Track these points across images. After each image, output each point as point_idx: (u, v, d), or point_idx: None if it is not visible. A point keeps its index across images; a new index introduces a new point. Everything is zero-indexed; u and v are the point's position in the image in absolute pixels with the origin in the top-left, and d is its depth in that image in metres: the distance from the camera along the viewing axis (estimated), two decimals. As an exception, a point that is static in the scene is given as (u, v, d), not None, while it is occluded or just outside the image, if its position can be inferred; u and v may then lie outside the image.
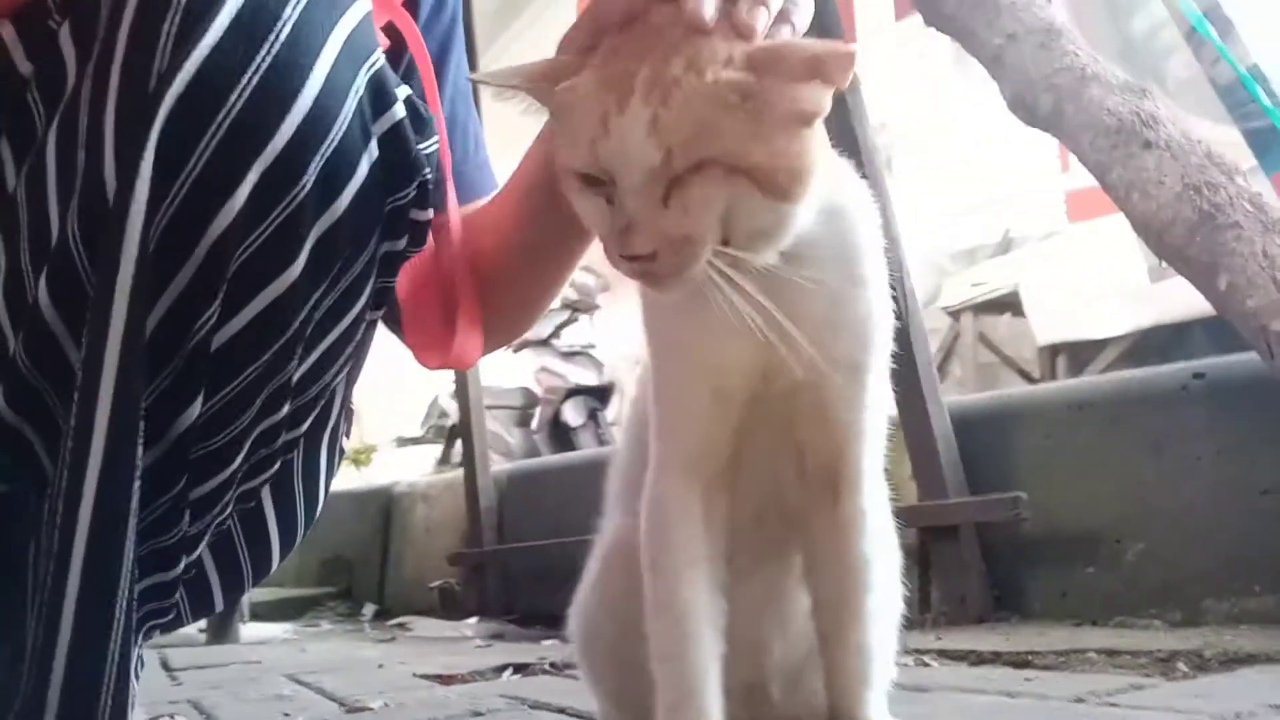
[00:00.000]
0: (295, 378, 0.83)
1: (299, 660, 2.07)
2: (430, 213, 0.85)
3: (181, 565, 0.89)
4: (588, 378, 5.94)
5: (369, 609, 3.48)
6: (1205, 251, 1.43)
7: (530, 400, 5.40)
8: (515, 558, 2.99)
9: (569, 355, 5.84)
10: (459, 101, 1.07)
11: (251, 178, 0.69)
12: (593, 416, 6.08)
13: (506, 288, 0.98)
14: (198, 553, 0.91)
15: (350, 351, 0.88)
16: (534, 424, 5.33)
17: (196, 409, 0.75)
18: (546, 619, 2.74)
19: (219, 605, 1.00)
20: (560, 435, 5.65)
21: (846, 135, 2.09)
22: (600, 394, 6.01)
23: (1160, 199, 1.48)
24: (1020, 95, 1.69)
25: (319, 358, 0.84)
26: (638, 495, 0.78)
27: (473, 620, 2.86)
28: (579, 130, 0.62)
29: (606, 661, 0.82)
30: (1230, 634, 1.49)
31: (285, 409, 0.84)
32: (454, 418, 4.81)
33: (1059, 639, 1.56)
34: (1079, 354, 4.05)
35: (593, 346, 5.77)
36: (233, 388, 0.78)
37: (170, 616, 0.95)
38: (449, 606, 3.07)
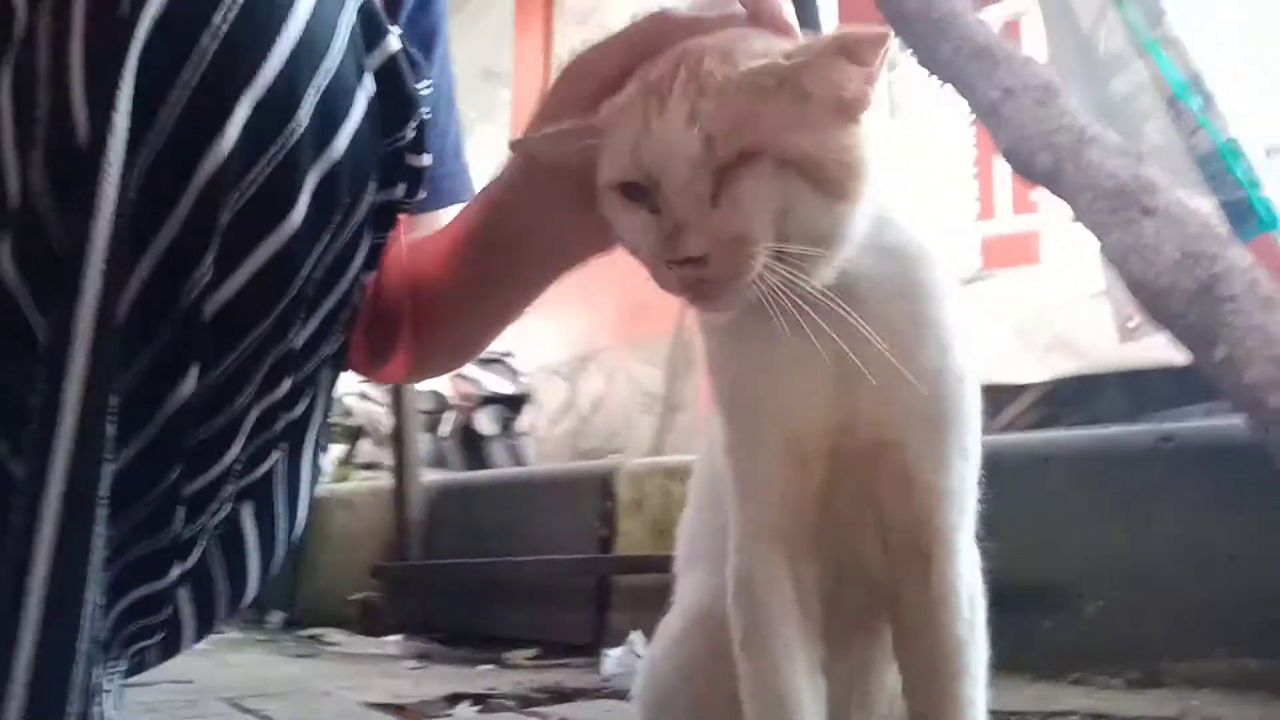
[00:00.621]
0: (298, 345, 0.75)
1: (232, 680, 1.95)
2: (428, 158, 0.78)
3: (173, 574, 0.80)
4: (503, 386, 5.84)
5: (276, 616, 3.33)
6: (1202, 321, 1.46)
7: (441, 405, 5.27)
8: (443, 574, 2.89)
9: (485, 362, 5.72)
10: (441, 104, 1.00)
11: (242, 112, 0.62)
12: (506, 427, 5.98)
13: (442, 324, 0.91)
14: (190, 562, 0.82)
15: (347, 318, 0.81)
16: (443, 430, 5.20)
17: (191, 384, 0.68)
18: (475, 640, 2.66)
19: (188, 643, 0.92)
20: (471, 444, 5.53)
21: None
22: (515, 403, 5.91)
23: (1159, 265, 1.50)
24: (1017, 149, 1.71)
25: (319, 325, 0.76)
26: (719, 554, 0.73)
27: (396, 638, 2.76)
28: (620, 141, 0.59)
29: None
30: (1197, 699, 1.51)
31: (286, 385, 0.76)
32: (359, 418, 4.67)
33: (1023, 697, 1.56)
34: (991, 399, 4.14)
35: (510, 355, 5.68)
36: (232, 359, 0.70)
37: (159, 637, 0.86)
38: (370, 621, 2.95)
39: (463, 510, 3.03)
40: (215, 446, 0.75)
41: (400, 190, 0.78)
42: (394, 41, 0.72)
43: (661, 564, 2.60)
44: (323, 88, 0.66)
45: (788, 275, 0.56)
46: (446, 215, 0.94)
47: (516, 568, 2.67)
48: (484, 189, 0.84)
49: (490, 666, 2.35)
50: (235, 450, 0.76)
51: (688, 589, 0.79)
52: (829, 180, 0.57)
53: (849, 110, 0.58)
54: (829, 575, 0.69)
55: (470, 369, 5.57)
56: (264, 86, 0.63)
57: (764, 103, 0.56)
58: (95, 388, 0.57)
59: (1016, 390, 3.99)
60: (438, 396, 5.38)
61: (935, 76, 1.92)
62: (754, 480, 0.67)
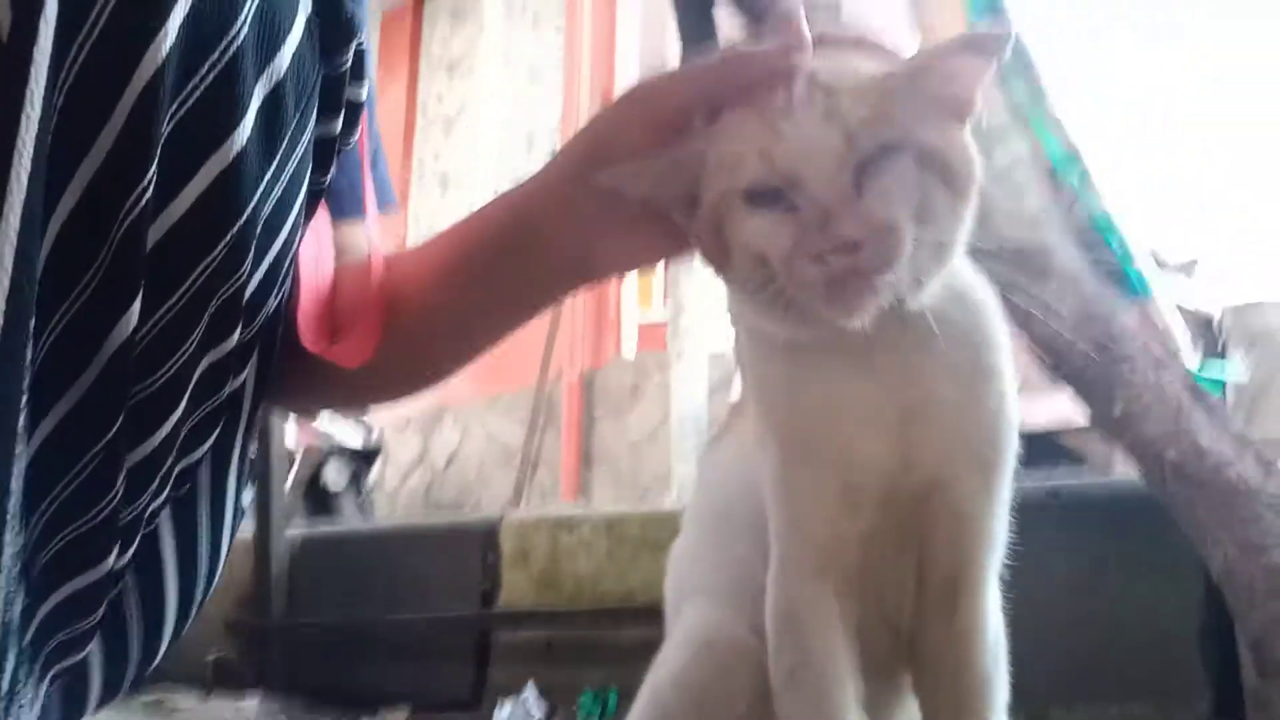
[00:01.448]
0: (247, 292, 0.69)
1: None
2: (364, 91, 0.75)
3: (111, 559, 0.71)
4: (353, 439, 5.66)
5: (112, 679, 3.07)
6: (1102, 378, 1.54)
7: (286, 457, 5.05)
8: (309, 631, 2.74)
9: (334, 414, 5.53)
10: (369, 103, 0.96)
11: (180, 10, 0.58)
12: (355, 481, 5.79)
13: (418, 343, 0.86)
14: (130, 553, 0.73)
15: (288, 270, 0.75)
16: (288, 483, 4.97)
17: (133, 320, 0.61)
18: (340, 700, 2.53)
19: (92, 705, 0.82)
20: (317, 497, 5.32)
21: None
22: (365, 457, 5.74)
23: (1061, 325, 1.58)
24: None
25: (265, 273, 0.71)
26: (733, 587, 0.71)
27: (253, 699, 2.59)
28: (740, 151, 0.58)
29: None
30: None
31: (234, 337, 0.70)
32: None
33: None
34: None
35: (363, 407, 5.50)
36: (178, 296, 0.64)
37: (81, 655, 0.76)
38: (222, 681, 2.76)
39: (331, 563, 2.89)
40: (159, 404, 0.67)
41: (338, 125, 0.74)
42: None
43: (548, 618, 2.55)
44: None
45: (915, 277, 0.56)
46: (369, 227, 0.89)
47: (391, 624, 2.56)
48: (500, 196, 0.80)
49: (371, 727, 2.24)
50: (179, 413, 0.68)
51: (689, 620, 0.77)
52: (956, 177, 0.58)
53: (962, 111, 0.59)
54: (860, 615, 0.68)
55: (319, 421, 5.38)
56: None
57: (895, 101, 0.57)
58: (19, 301, 0.52)
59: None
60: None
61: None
62: (805, 517, 0.66)
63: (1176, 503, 1.50)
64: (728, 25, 1.98)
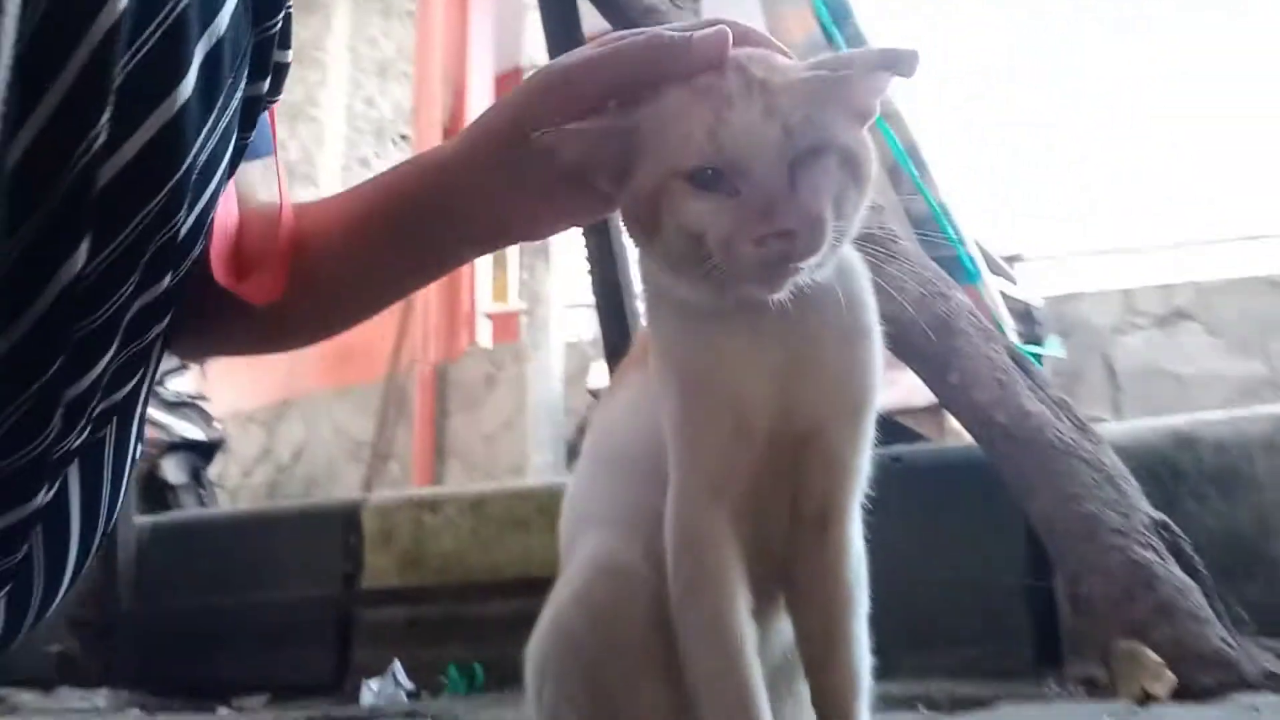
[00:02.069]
0: (180, 237, 0.73)
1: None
2: (289, 55, 0.80)
3: (41, 495, 0.73)
4: (194, 432, 5.45)
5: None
6: (940, 352, 1.68)
7: (125, 447, 4.84)
8: (159, 621, 2.66)
9: (174, 405, 5.32)
10: None
11: None
12: (195, 475, 5.58)
13: (325, 291, 0.91)
14: (55, 486, 0.75)
15: (211, 217, 0.79)
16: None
17: (82, 258, 0.65)
18: (193, 691, 2.47)
19: None
20: (155, 492, 5.12)
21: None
22: (206, 451, 5.54)
23: (905, 303, 1.71)
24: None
25: (194, 221, 0.75)
26: (628, 519, 0.78)
27: (101, 692, 2.50)
28: (687, 133, 0.63)
29: (586, 680, 0.79)
30: (929, 684, 1.70)
31: (167, 280, 0.72)
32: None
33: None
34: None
35: (202, 399, 5.31)
36: (121, 239, 0.67)
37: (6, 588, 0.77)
38: (67, 676, 2.65)
39: (183, 551, 2.81)
40: (96, 343, 0.70)
41: (265, 85, 0.78)
42: None
43: (412, 596, 2.56)
44: None
45: (823, 259, 0.64)
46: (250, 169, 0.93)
47: (248, 609, 2.52)
48: (415, 159, 0.84)
49: (227, 711, 2.20)
50: (111, 352, 0.72)
51: (587, 547, 0.82)
52: (862, 175, 0.65)
53: (866, 116, 0.67)
54: (745, 540, 0.75)
55: (158, 413, 5.16)
56: None
57: (821, 104, 0.64)
58: None
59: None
60: (118, 440, 4.93)
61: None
62: (703, 451, 0.72)
63: (1003, 461, 1.65)
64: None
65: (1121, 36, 5.02)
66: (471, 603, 2.38)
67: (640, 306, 0.80)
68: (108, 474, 0.80)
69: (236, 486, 5.88)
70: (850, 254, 0.75)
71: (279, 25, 0.76)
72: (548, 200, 0.74)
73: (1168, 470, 1.83)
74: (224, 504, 5.62)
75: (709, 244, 0.63)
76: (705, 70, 0.64)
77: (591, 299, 2.41)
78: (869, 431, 0.77)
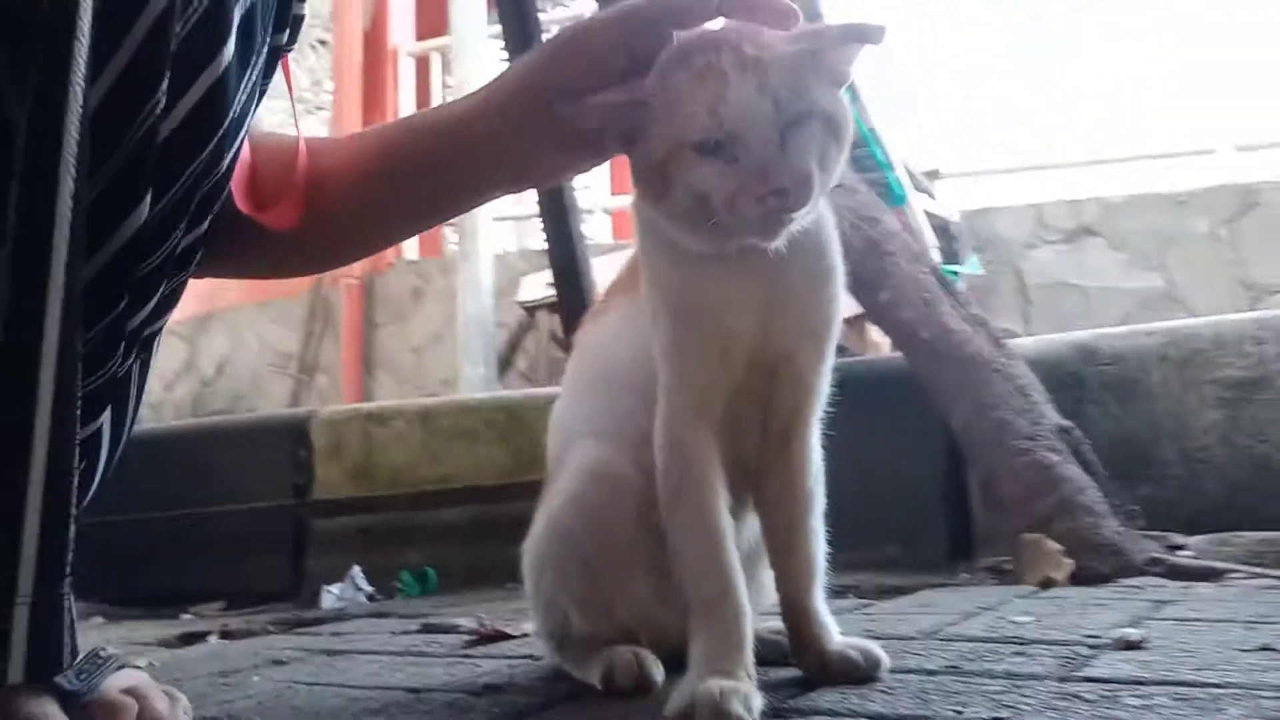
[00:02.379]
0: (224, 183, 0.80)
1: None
2: (305, 7, 0.88)
3: (105, 414, 0.82)
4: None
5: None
6: (870, 272, 1.81)
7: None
8: (108, 532, 2.70)
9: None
10: None
11: None
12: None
13: (340, 223, 0.97)
14: (107, 414, 0.84)
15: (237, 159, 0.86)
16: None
17: (145, 209, 0.72)
18: (153, 598, 2.54)
19: None
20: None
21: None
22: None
23: (841, 228, 1.83)
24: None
25: (229, 162, 0.81)
26: (617, 431, 0.89)
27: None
28: (691, 109, 0.73)
29: (580, 569, 0.90)
30: (859, 576, 1.86)
31: (207, 222, 0.81)
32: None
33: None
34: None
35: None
36: (176, 189, 0.75)
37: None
38: (18, 589, 2.68)
39: (134, 466, 2.83)
40: (153, 280, 0.78)
41: (285, 36, 0.86)
42: None
43: (364, 504, 2.63)
44: None
45: (811, 209, 0.74)
46: None
47: (200, 519, 2.58)
48: (436, 111, 0.91)
49: (189, 616, 2.28)
50: (163, 287, 0.80)
51: (579, 456, 0.92)
52: (842, 134, 0.76)
53: (841, 81, 0.77)
54: (723, 450, 0.86)
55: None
56: None
57: (804, 76, 0.73)
58: (79, 201, 0.63)
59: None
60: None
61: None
62: (691, 375, 0.83)
63: (927, 374, 1.80)
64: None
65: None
66: (422, 511, 2.47)
67: (632, 245, 0.89)
68: (133, 390, 0.88)
69: (159, 401, 5.83)
70: (822, 204, 0.85)
71: None
72: (562, 153, 0.82)
73: (1072, 380, 2.00)
74: (146, 419, 5.59)
75: (714, 203, 0.73)
76: (704, 21, 0.73)
77: (535, 216, 2.48)
78: (831, 356, 0.88)
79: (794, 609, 0.88)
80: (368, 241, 0.99)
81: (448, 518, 2.46)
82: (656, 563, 0.87)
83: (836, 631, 0.88)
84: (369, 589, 2.19)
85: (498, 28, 5.62)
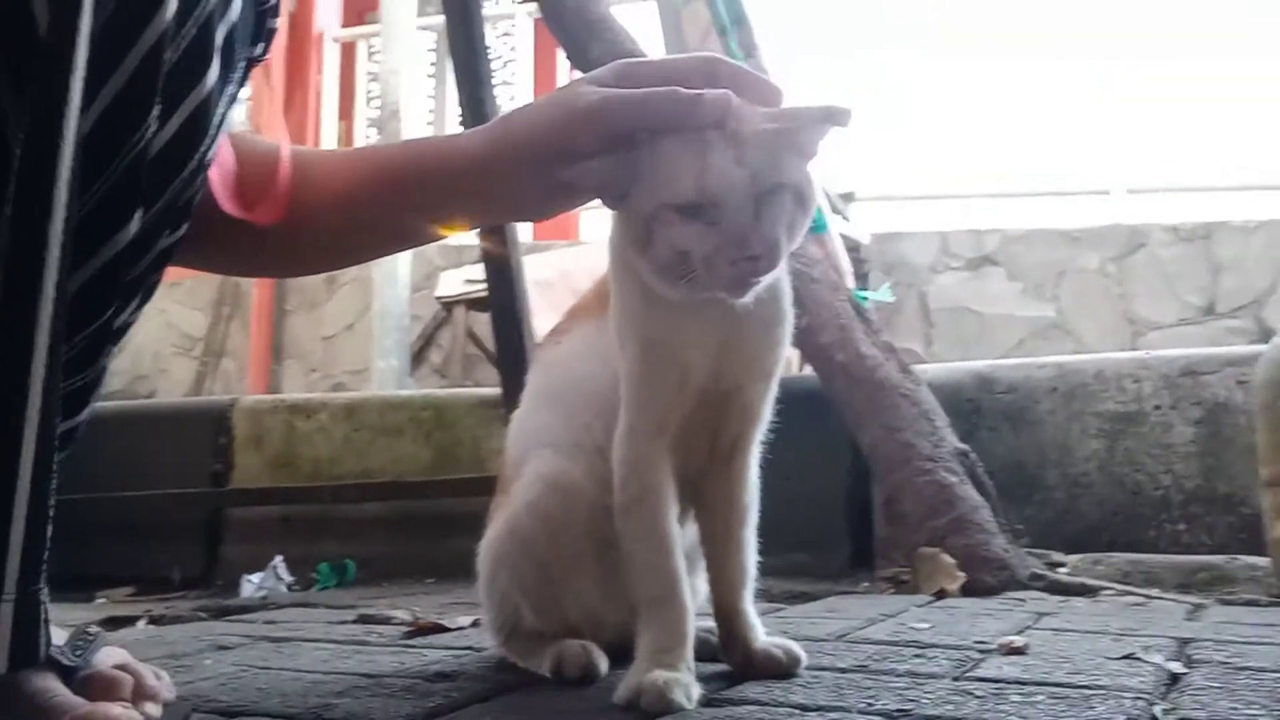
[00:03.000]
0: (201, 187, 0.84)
1: None
2: (278, 21, 0.93)
3: (87, 411, 0.87)
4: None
5: None
6: (796, 298, 1.91)
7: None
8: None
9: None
10: None
11: None
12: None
13: (327, 235, 1.02)
14: (92, 403, 0.89)
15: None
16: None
17: (135, 224, 0.77)
18: (59, 582, 2.52)
19: None
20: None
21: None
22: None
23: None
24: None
25: (205, 166, 0.86)
26: (575, 444, 0.97)
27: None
28: (677, 174, 0.81)
29: (534, 569, 0.98)
30: (772, 582, 1.97)
31: (186, 224, 0.85)
32: None
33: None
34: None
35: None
36: (163, 201, 0.80)
37: None
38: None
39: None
40: (138, 282, 0.83)
41: (260, 49, 0.91)
42: None
43: (283, 494, 2.65)
44: None
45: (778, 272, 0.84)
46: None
47: (113, 504, 2.56)
48: (434, 143, 0.98)
49: (102, 600, 2.29)
50: (145, 287, 0.85)
51: (539, 465, 1.00)
52: (807, 204, 0.84)
53: (810, 156, 0.85)
54: (673, 467, 0.96)
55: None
56: None
57: (779, 151, 0.81)
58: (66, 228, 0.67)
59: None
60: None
61: (578, 73, 2.24)
62: (651, 400, 0.91)
63: (839, 395, 1.92)
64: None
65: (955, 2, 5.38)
66: (342, 504, 2.51)
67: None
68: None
69: (55, 378, 5.66)
70: None
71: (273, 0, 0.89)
72: (554, 198, 0.89)
73: (970, 406, 2.15)
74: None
75: (693, 259, 0.81)
76: (710, 125, 0.81)
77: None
78: (774, 389, 0.98)
79: (726, 610, 0.98)
80: (345, 252, 1.05)
81: (368, 511, 2.50)
82: (603, 565, 0.96)
83: (763, 632, 0.98)
84: (289, 578, 2.23)
85: (428, 19, 5.65)
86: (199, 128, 0.80)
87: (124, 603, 2.32)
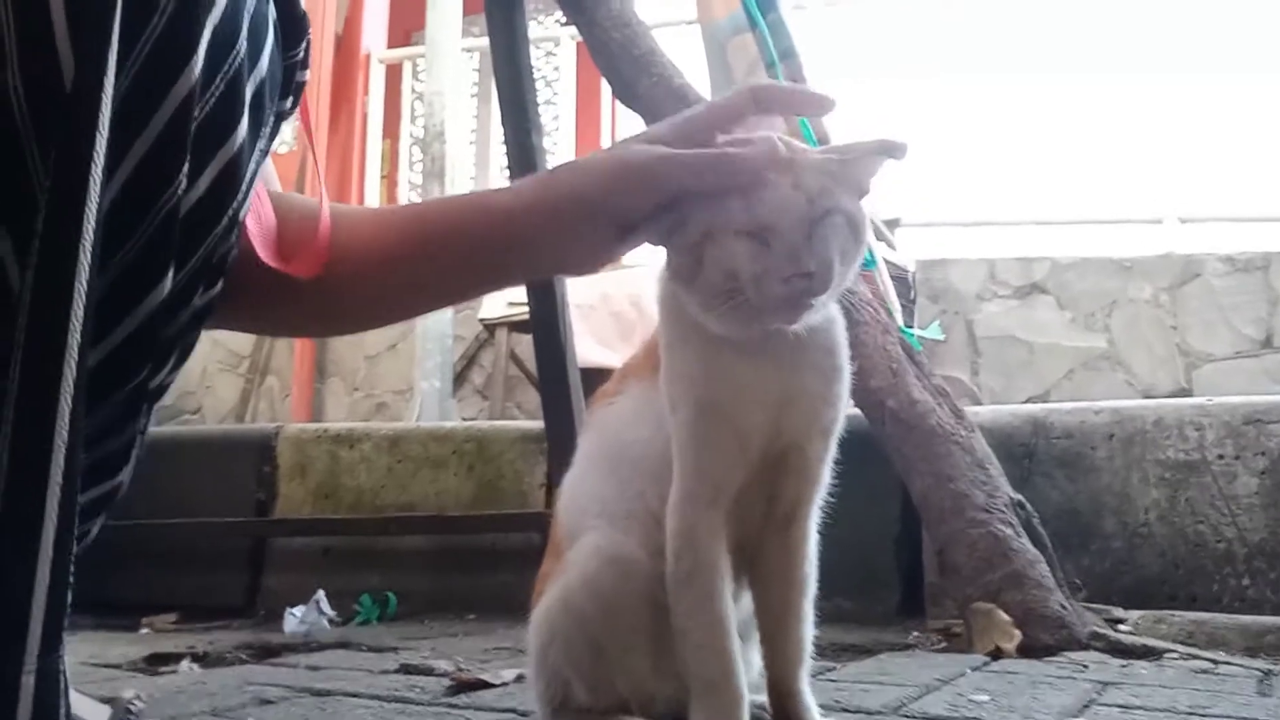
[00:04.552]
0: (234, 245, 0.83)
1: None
2: (307, 74, 0.91)
3: (121, 477, 0.86)
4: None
5: None
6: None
7: None
8: None
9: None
10: None
11: (206, 36, 0.71)
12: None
13: (366, 296, 1.02)
14: (129, 467, 0.87)
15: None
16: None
17: (168, 283, 0.75)
18: (104, 608, 2.54)
19: None
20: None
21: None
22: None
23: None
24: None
25: (238, 221, 0.84)
26: (629, 514, 0.95)
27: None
28: (730, 199, 0.79)
29: (588, 646, 0.95)
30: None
31: (219, 284, 0.84)
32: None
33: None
34: (591, 380, 4.60)
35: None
36: (196, 259, 0.78)
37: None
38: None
39: None
40: (173, 342, 0.82)
41: (289, 103, 0.89)
42: None
43: (327, 525, 2.65)
44: (251, 10, 0.76)
45: (830, 297, 0.82)
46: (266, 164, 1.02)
47: (157, 531, 2.58)
48: (477, 199, 0.96)
49: (146, 630, 2.29)
50: (179, 346, 0.84)
51: (594, 539, 0.98)
52: (860, 235, 0.83)
53: (864, 191, 0.84)
54: (728, 535, 0.93)
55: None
56: (219, 10, 0.71)
57: (832, 179, 0.80)
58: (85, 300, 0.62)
59: (610, 373, 4.46)
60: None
61: (632, 109, 2.22)
62: (708, 467, 0.89)
63: (890, 441, 1.88)
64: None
65: (1004, 26, 5.31)
66: (385, 536, 2.50)
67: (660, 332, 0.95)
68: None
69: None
70: (833, 307, 0.91)
71: (302, 52, 0.87)
72: (604, 250, 0.88)
73: (1023, 451, 2.10)
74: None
75: (743, 279, 0.79)
76: (759, 183, 0.79)
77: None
78: (834, 448, 0.95)
79: (781, 689, 0.95)
80: (387, 310, 1.03)
81: (411, 544, 2.49)
82: (657, 638, 0.93)
83: (818, 713, 0.95)
84: (333, 614, 2.22)
85: (471, 40, 5.68)
86: (230, 184, 0.78)
87: (167, 631, 2.32)
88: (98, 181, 0.63)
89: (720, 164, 0.81)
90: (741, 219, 0.79)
